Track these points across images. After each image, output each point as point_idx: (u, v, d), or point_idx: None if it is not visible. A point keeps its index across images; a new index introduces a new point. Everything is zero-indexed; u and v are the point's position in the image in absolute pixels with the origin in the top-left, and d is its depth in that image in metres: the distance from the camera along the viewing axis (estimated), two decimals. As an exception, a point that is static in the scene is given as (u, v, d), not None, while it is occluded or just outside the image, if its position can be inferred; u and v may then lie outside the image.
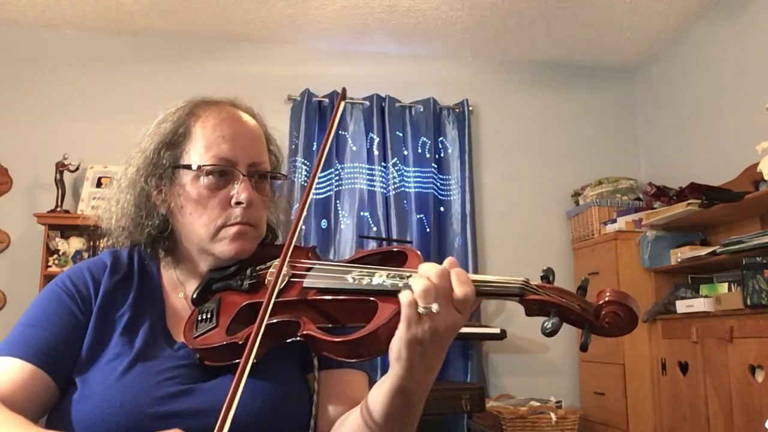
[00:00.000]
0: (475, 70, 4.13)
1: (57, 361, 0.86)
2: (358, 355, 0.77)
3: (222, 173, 0.95)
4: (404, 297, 0.70)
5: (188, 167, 0.96)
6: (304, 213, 0.85)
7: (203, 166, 0.95)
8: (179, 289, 1.00)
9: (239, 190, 0.94)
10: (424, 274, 0.71)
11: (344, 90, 0.90)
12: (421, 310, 0.69)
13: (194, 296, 0.96)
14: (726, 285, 2.95)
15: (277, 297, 0.84)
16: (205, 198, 0.95)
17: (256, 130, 1.01)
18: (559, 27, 3.75)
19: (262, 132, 1.03)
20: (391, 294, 0.75)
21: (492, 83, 4.14)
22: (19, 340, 0.87)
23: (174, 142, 0.98)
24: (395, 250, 0.88)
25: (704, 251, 2.97)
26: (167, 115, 1.01)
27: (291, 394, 0.90)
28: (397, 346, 0.72)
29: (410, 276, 0.75)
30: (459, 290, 0.70)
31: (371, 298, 0.77)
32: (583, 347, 0.71)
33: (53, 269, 3.29)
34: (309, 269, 0.87)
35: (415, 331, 0.69)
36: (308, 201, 0.86)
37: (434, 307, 0.69)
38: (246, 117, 1.02)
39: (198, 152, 0.96)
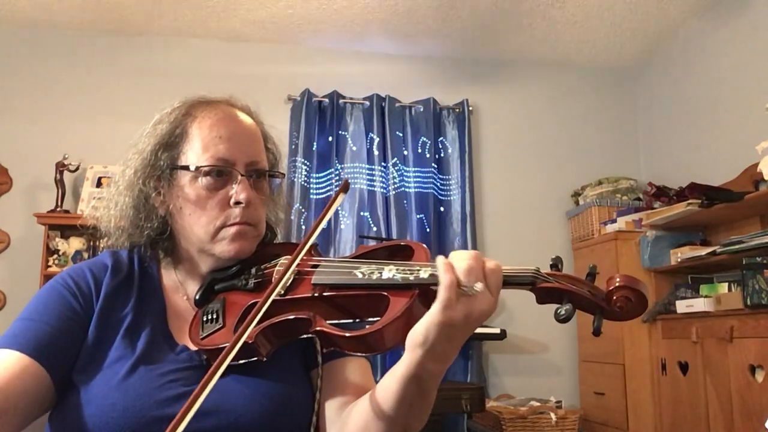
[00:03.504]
0: (475, 70, 4.13)
1: (54, 354, 0.86)
2: (372, 349, 0.77)
3: (220, 173, 0.95)
4: (445, 278, 0.70)
5: (186, 168, 0.95)
6: (325, 220, 0.84)
7: (201, 167, 0.94)
8: (180, 290, 1.00)
9: (238, 190, 0.94)
10: (461, 257, 0.72)
11: (346, 182, 0.90)
12: (466, 290, 0.69)
13: (197, 297, 0.96)
14: (726, 285, 2.95)
15: (285, 294, 0.85)
16: (203, 199, 0.94)
17: (253, 128, 1.01)
18: (559, 27, 3.75)
19: (259, 130, 1.02)
20: (402, 287, 0.75)
21: (492, 83, 4.13)
22: (15, 334, 0.87)
23: (171, 143, 0.97)
24: (402, 244, 0.88)
25: (704, 251, 2.97)
26: (163, 115, 1.00)
27: (295, 392, 0.90)
28: (424, 330, 0.71)
29: (420, 269, 0.76)
30: (489, 265, 0.72)
31: (383, 293, 0.78)
32: (596, 332, 0.72)
33: (53, 269, 3.29)
34: (315, 266, 0.87)
35: (451, 314, 0.70)
36: (324, 219, 0.85)
37: (478, 286, 0.69)
38: (242, 116, 1.01)
39: (195, 153, 0.95)
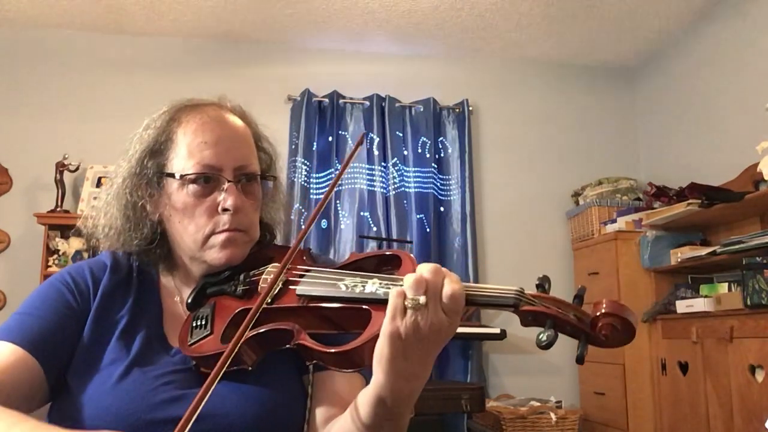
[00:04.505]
0: (475, 70, 4.13)
1: (48, 348, 0.85)
2: (353, 364, 0.76)
3: (207, 180, 0.92)
4: (394, 288, 0.69)
5: (172, 176, 0.93)
6: (309, 230, 0.84)
7: (186, 175, 0.92)
8: (176, 294, 1.00)
9: (225, 197, 0.92)
10: (418, 269, 0.70)
11: (363, 135, 0.89)
12: (408, 302, 0.67)
13: (189, 301, 0.95)
14: (726, 285, 2.95)
15: (271, 303, 0.84)
16: (191, 206, 0.92)
17: (241, 131, 0.98)
18: (559, 27, 3.74)
19: (249, 132, 0.99)
20: (384, 302, 0.73)
21: (492, 83, 4.13)
22: (10, 327, 0.87)
23: (157, 150, 0.95)
24: (388, 254, 0.87)
25: (704, 251, 2.97)
26: (150, 120, 0.98)
27: (287, 398, 0.89)
28: (380, 344, 0.70)
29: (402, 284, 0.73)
30: (448, 287, 0.68)
31: (365, 307, 0.76)
32: (579, 360, 0.68)
33: (53, 269, 3.29)
34: (302, 275, 0.86)
35: (398, 323, 0.67)
36: (313, 223, 0.86)
37: (421, 299, 0.67)
38: (231, 118, 0.98)
39: (181, 160, 0.93)
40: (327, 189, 0.83)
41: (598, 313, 0.68)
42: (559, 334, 0.69)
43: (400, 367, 0.69)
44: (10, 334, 0.85)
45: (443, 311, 0.68)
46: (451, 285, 0.69)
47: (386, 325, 0.68)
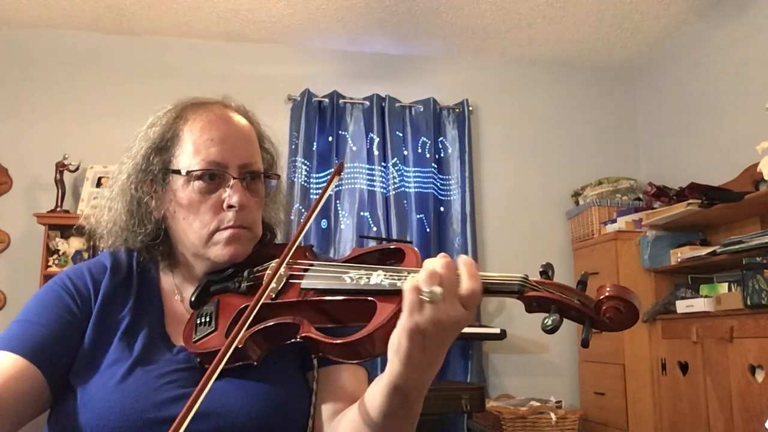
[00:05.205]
0: (475, 70, 4.13)
1: (50, 357, 0.85)
2: (359, 355, 0.76)
3: (212, 177, 0.93)
4: (408, 282, 0.69)
5: (178, 172, 0.94)
6: (306, 228, 0.84)
7: (192, 171, 0.93)
8: (177, 292, 1.00)
9: (230, 194, 0.93)
10: (430, 265, 0.70)
11: (341, 164, 0.90)
12: (424, 296, 0.67)
13: (192, 299, 0.95)
14: (726, 285, 2.95)
15: (275, 298, 0.84)
16: (196, 203, 0.93)
17: (246, 129, 0.99)
18: (559, 27, 3.75)
19: (253, 131, 1.01)
20: (390, 293, 0.74)
21: (492, 83, 4.13)
22: (12, 335, 0.86)
23: (162, 147, 0.96)
24: (392, 247, 0.87)
25: (704, 251, 2.97)
26: (155, 118, 0.99)
27: (291, 395, 0.89)
28: (397, 336, 0.70)
29: (408, 275, 0.74)
30: (466, 283, 0.69)
31: (369, 298, 0.77)
32: (584, 343, 0.69)
33: (53, 269, 3.29)
34: (306, 270, 0.86)
35: (417, 319, 0.68)
36: (310, 222, 0.86)
37: (438, 290, 0.67)
38: (236, 117, 0.99)
39: (187, 156, 0.94)
40: (311, 208, 0.84)
41: (602, 297, 0.69)
42: (564, 319, 0.69)
43: (417, 358, 0.70)
44: (10, 344, 0.85)
45: (462, 305, 0.69)
46: (470, 281, 0.70)
47: (405, 320, 0.69)
